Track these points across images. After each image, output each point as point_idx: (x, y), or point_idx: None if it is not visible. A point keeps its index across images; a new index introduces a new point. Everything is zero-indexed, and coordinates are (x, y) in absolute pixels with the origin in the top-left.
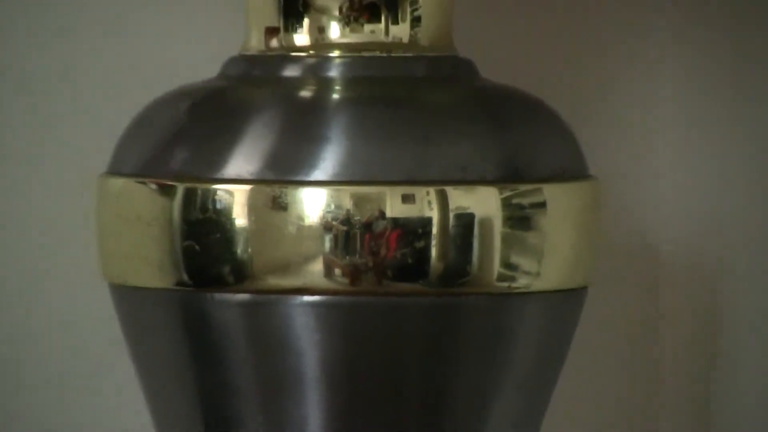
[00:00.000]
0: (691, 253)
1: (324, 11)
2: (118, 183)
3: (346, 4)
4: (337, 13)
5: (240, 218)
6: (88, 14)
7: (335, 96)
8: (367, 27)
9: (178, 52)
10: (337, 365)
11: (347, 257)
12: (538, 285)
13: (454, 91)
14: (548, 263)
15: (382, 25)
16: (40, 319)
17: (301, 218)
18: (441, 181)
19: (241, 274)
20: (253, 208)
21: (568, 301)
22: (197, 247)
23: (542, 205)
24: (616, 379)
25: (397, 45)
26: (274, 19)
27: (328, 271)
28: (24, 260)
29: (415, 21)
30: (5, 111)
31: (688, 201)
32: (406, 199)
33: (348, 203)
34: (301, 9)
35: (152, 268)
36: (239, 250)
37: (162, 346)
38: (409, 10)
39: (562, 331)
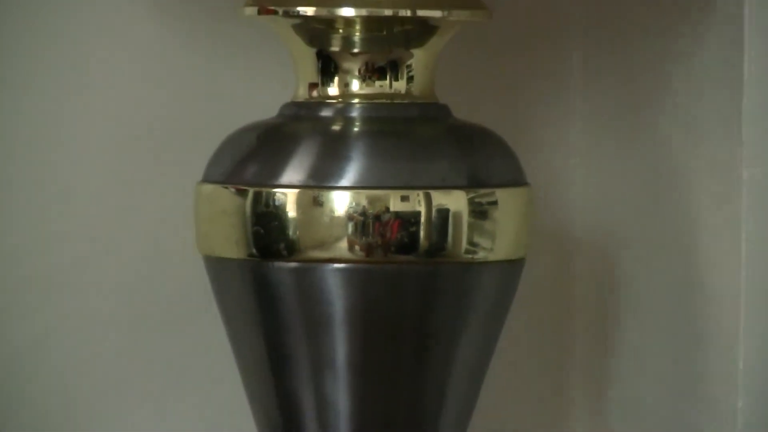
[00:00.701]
0: (594, 235)
1: (348, 72)
2: (209, 188)
3: (363, 68)
4: (357, 74)
5: (291, 212)
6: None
7: (355, 129)
8: (377, 83)
9: (254, 100)
10: (356, 311)
11: (363, 238)
12: (492, 257)
13: (435, 127)
14: (499, 242)
15: (387, 82)
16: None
17: (332, 212)
18: (427, 187)
19: (291, 249)
20: (299, 205)
21: (512, 267)
22: (262, 231)
23: (495, 203)
24: (539, 322)
25: (398, 95)
26: (315, 78)
27: (351, 248)
28: (145, 244)
29: (410, 79)
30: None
31: (592, 199)
32: (404, 199)
33: (364, 202)
34: (332, 71)
35: (231, 245)
36: (290, 233)
37: (238, 299)
38: (405, 72)
39: (508, 288)
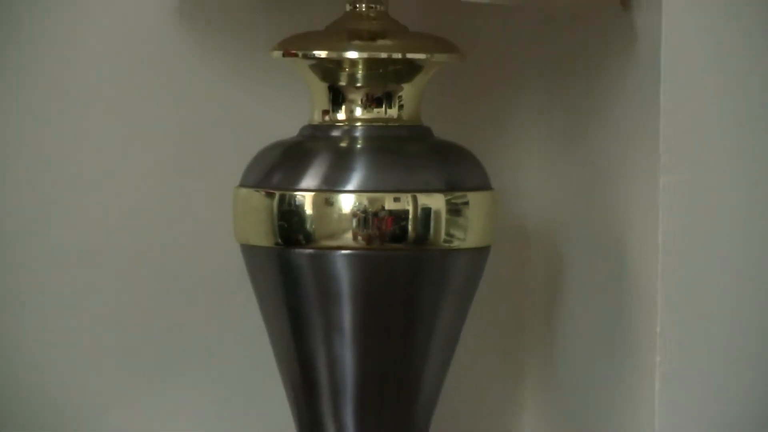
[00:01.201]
0: (544, 229)
1: (353, 102)
2: (245, 191)
3: (364, 98)
4: (359, 103)
5: (308, 210)
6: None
7: (358, 146)
8: (375, 110)
9: (280, 122)
10: (358, 288)
11: (364, 230)
12: (464, 245)
13: (421, 145)
14: (469, 234)
15: (383, 109)
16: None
17: (340, 210)
18: (414, 191)
19: (308, 239)
20: (315, 204)
21: (480, 253)
22: (285, 225)
23: (467, 203)
24: (500, 297)
25: (391, 120)
26: (327, 106)
27: (354, 238)
28: (195, 235)
29: (400, 107)
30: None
31: (543, 202)
32: (396, 200)
33: (365, 202)
34: (340, 100)
35: (261, 236)
36: (307, 227)
37: (266, 278)
38: (397, 102)
39: (477, 270)
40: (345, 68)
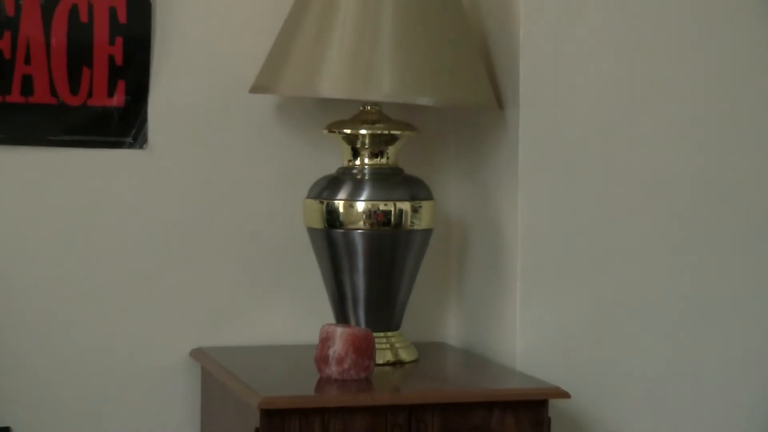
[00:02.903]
0: (457, 219)
1: (363, 155)
2: (309, 201)
3: (369, 153)
4: (366, 156)
5: (341, 210)
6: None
7: (366, 178)
8: (374, 160)
9: (327, 165)
10: (366, 249)
11: (369, 220)
12: (420, 227)
13: (397, 177)
14: (422, 222)
15: (378, 159)
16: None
17: (357, 210)
18: (395, 200)
19: (341, 225)
20: (344, 207)
21: (427, 232)
22: (329, 217)
23: (420, 206)
24: (435, 254)
25: (383, 165)
26: (350, 157)
27: (364, 224)
28: (284, 226)
29: (387, 158)
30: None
31: (457, 205)
32: (385, 205)
33: (369, 206)
34: (356, 154)
35: (317, 222)
36: (340, 218)
37: (319, 245)
38: (386, 155)
39: (426, 240)
40: (359, 139)
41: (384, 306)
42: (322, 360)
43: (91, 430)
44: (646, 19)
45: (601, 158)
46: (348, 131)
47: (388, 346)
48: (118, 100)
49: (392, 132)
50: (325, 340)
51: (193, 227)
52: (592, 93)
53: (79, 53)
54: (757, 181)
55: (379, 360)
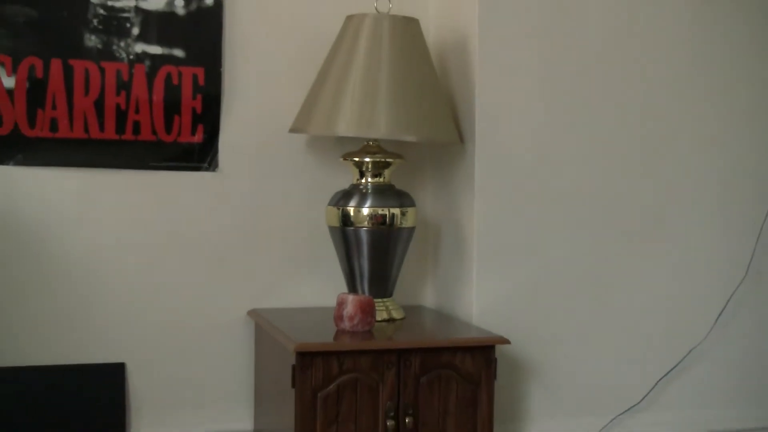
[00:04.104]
0: (432, 219)
1: (367, 176)
2: (330, 207)
3: (371, 174)
4: (370, 175)
5: (351, 214)
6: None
7: (369, 191)
8: (375, 179)
9: (341, 183)
10: (369, 240)
11: (371, 221)
12: (406, 226)
13: (390, 191)
14: (408, 222)
15: (378, 179)
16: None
17: (363, 214)
18: (389, 207)
19: (352, 224)
20: (354, 212)
21: (412, 230)
22: (343, 218)
23: (407, 211)
24: (417, 241)
25: (381, 182)
26: (358, 177)
27: (368, 224)
28: (310, 224)
29: (383, 177)
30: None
31: (430, 209)
32: (382, 210)
33: (372, 212)
34: (362, 175)
35: (335, 222)
36: (351, 219)
37: (337, 238)
38: (383, 175)
39: (410, 235)
40: (364, 164)
41: (381, 280)
42: (338, 318)
43: (181, 365)
44: (574, 73)
45: (536, 177)
46: (357, 159)
47: (384, 308)
48: (198, 137)
49: (387, 159)
50: (341, 304)
51: (250, 226)
52: (530, 131)
53: (172, 105)
54: (641, 193)
55: (378, 318)
